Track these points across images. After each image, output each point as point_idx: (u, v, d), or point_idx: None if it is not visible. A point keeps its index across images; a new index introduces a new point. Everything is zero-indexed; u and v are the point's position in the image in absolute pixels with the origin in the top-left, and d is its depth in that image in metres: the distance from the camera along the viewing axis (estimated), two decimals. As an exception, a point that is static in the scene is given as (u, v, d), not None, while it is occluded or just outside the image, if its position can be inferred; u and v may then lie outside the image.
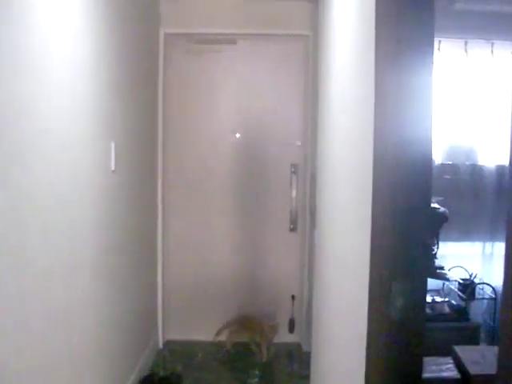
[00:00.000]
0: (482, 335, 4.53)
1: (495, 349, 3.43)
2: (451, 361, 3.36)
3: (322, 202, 3.64)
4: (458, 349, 3.44)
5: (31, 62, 2.36)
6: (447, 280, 4.60)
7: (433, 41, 1.82)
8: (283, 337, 5.62)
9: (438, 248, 4.09)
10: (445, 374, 3.23)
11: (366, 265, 1.95)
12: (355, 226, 2.25)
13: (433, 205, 3.73)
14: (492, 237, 5.14)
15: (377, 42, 1.87)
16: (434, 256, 4.01)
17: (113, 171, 3.68)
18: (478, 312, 4.80)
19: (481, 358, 3.30)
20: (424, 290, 1.96)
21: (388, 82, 1.82)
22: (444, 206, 4.08)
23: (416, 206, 1.85)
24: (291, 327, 5.57)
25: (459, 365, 3.27)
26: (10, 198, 2.17)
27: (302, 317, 5.58)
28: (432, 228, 3.93)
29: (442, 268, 4.46)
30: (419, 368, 1.94)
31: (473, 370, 3.17)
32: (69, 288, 2.87)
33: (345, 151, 2.63)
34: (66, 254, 2.83)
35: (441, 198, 4.00)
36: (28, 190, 2.34)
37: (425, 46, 1.81)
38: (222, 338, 5.34)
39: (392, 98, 1.82)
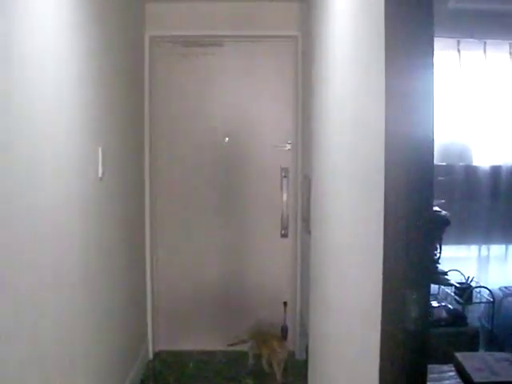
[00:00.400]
0: (480, 340, 4.44)
1: (497, 355, 3.36)
2: (453, 368, 3.27)
3: (318, 208, 3.54)
4: (459, 355, 3.35)
5: (11, 64, 2.24)
6: (450, 285, 4.51)
7: (433, 40, 1.74)
8: (276, 345, 5.50)
9: (440, 253, 4.00)
10: (447, 383, 3.14)
11: (376, 273, 1.84)
12: (362, 232, 2.15)
13: (434, 208, 3.64)
14: (488, 239, 5.08)
15: (387, 42, 1.77)
16: (437, 261, 3.92)
17: (100, 178, 3.57)
18: (475, 316, 4.72)
19: (483, 364, 3.22)
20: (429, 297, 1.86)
21: (399, 84, 1.73)
22: (445, 210, 3.99)
23: (425, 211, 1.76)
24: (284, 335, 5.44)
25: (461, 372, 3.18)
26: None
27: (295, 324, 5.47)
28: (435, 232, 3.85)
29: (445, 273, 4.37)
30: (425, 378, 1.84)
31: (476, 377, 3.08)
32: (56, 298, 2.76)
33: (346, 155, 2.52)
34: (53, 261, 2.72)
35: (442, 201, 3.91)
36: (11, 196, 2.23)
37: (426, 45, 1.73)
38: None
39: (403, 99, 1.72)
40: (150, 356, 5.42)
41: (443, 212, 3.94)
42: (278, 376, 4.78)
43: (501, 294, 4.81)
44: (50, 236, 2.66)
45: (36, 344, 2.49)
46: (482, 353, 4.07)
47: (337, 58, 2.84)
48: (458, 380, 3.15)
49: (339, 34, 2.77)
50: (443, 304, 4.43)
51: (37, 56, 2.52)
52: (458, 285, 4.53)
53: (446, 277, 4.39)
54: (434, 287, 4.56)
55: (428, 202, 1.77)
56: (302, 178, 5.06)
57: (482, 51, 4.94)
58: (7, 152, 2.17)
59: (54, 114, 2.74)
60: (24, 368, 2.36)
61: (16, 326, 2.26)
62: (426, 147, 1.74)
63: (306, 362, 4.53)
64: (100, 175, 3.55)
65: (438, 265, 4.01)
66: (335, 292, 2.85)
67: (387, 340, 1.79)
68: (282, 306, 5.41)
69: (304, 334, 5.00)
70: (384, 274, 1.77)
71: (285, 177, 5.41)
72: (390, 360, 1.80)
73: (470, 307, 4.57)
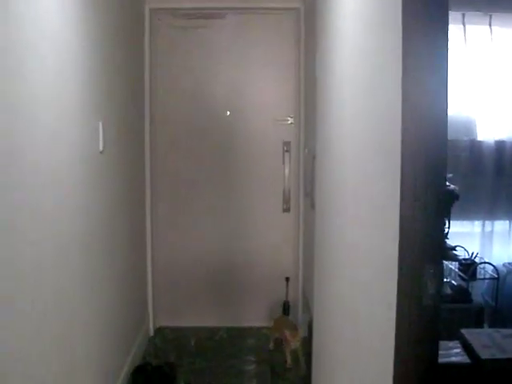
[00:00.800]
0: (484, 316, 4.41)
1: (504, 331, 3.31)
2: (459, 345, 3.23)
3: (324, 182, 3.48)
4: (466, 332, 3.31)
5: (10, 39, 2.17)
6: (459, 261, 4.47)
7: (448, 13, 1.68)
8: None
9: (449, 227, 3.94)
10: (454, 359, 3.10)
11: (392, 248, 1.78)
12: (377, 206, 2.08)
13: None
14: (492, 215, 5.02)
15: (404, 13, 1.70)
16: (446, 236, 3.86)
17: (101, 152, 3.51)
18: (478, 292, 4.69)
19: (490, 341, 3.18)
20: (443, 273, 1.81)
21: (417, 55, 1.66)
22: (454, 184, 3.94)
23: (441, 185, 1.70)
24: (285, 310, 5.42)
25: (468, 349, 3.14)
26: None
27: (298, 300, 5.43)
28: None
29: (453, 249, 4.32)
30: (436, 353, 1.80)
31: (484, 354, 3.03)
32: (55, 273, 2.70)
33: (357, 130, 2.45)
34: (53, 235, 2.66)
35: (450, 175, 3.84)
36: (13, 169, 2.17)
37: (442, 17, 1.66)
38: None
39: (421, 71, 1.66)
40: (151, 332, 5.38)
41: (452, 186, 3.88)
42: (288, 363, 4.65)
43: (504, 270, 4.77)
44: (49, 209, 2.60)
45: (36, 318, 2.44)
46: (488, 329, 4.04)
47: (346, 30, 2.76)
48: (465, 356, 3.10)
49: (350, 5, 2.68)
50: (447, 280, 4.40)
51: (37, 30, 2.45)
52: (462, 261, 4.49)
53: (454, 252, 4.35)
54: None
55: (443, 176, 1.72)
56: (306, 153, 4.99)
57: (487, 24, 4.86)
58: (8, 125, 2.11)
59: (56, 87, 2.67)
60: (24, 341, 2.32)
61: (16, 297, 2.22)
62: (441, 122, 1.69)
63: (308, 338, 4.50)
64: (101, 149, 3.49)
65: (446, 240, 3.95)
66: (344, 268, 2.79)
67: (403, 316, 1.74)
68: (284, 281, 5.39)
69: (306, 309, 4.96)
70: (400, 248, 1.71)
71: (287, 151, 5.35)
72: (405, 336, 1.75)
73: (474, 283, 4.53)
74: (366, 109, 2.28)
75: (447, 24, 1.67)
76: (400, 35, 1.69)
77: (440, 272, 1.70)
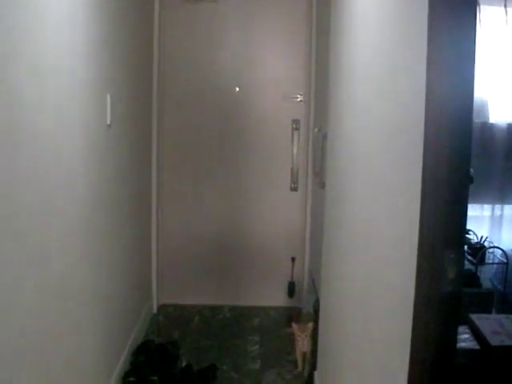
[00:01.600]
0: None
1: (513, 317, 3.24)
2: (468, 330, 3.17)
3: (336, 162, 3.41)
4: (475, 317, 3.25)
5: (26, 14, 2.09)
6: (472, 245, 4.40)
7: None
8: (282, 301, 5.48)
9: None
10: (463, 345, 3.04)
11: (410, 231, 1.72)
12: (394, 187, 2.01)
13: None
14: (502, 199, 4.95)
15: None
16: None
17: (108, 125, 3.44)
18: (487, 277, 4.63)
19: (499, 327, 3.13)
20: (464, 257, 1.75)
21: (443, 35, 1.59)
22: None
23: (465, 168, 1.63)
24: (291, 291, 5.40)
25: (477, 335, 3.08)
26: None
27: (303, 280, 5.39)
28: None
29: (467, 232, 4.25)
30: (454, 341, 1.74)
31: (493, 340, 2.98)
32: (61, 249, 2.66)
33: (376, 107, 2.37)
34: (58, 212, 2.60)
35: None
36: (15, 140, 2.10)
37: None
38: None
39: (446, 56, 1.59)
40: (155, 310, 5.35)
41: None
42: (298, 369, 4.31)
43: (514, 254, 4.71)
44: (54, 184, 2.54)
45: (41, 295, 2.40)
46: (497, 315, 3.97)
47: (364, 9, 2.68)
48: (474, 342, 3.05)
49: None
50: (456, 263, 4.32)
51: (51, 11, 2.40)
52: (471, 244, 4.43)
53: (467, 235, 4.29)
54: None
55: (468, 158, 1.64)
56: (315, 131, 4.92)
57: (502, 7, 4.77)
58: (11, 97, 2.05)
59: (59, 57, 2.60)
60: (28, 319, 2.27)
61: (22, 275, 2.17)
62: (466, 106, 1.62)
63: (314, 318, 4.45)
64: (108, 122, 3.42)
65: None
66: (356, 250, 2.72)
67: (421, 302, 1.67)
68: (290, 261, 5.36)
69: (312, 290, 4.91)
70: (421, 230, 1.64)
71: (296, 129, 5.28)
72: (423, 323, 1.68)
73: (483, 268, 4.47)
74: (386, 87, 2.20)
75: (475, 5, 1.61)
76: (426, 11, 1.62)
77: (461, 257, 1.63)
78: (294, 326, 4.24)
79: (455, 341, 1.75)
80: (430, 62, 1.61)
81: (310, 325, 4.18)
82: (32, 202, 2.26)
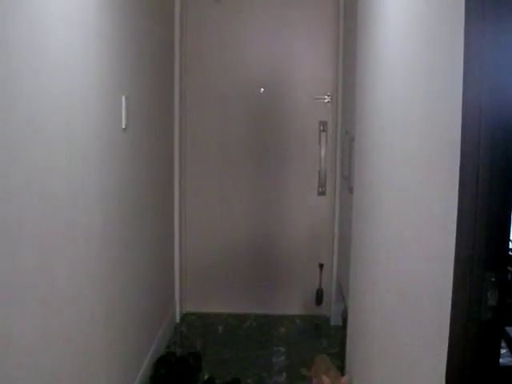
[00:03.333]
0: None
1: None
2: (504, 344, 2.97)
3: (363, 166, 3.24)
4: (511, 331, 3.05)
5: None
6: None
7: None
8: (310, 309, 5.32)
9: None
10: (501, 361, 2.83)
11: (443, 250, 1.54)
12: (427, 198, 1.83)
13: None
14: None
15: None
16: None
17: (123, 129, 3.29)
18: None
19: (539, 341, 2.91)
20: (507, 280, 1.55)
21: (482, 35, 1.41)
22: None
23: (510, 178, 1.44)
24: (319, 299, 5.24)
25: (515, 349, 2.88)
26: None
27: (331, 288, 5.21)
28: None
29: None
30: (496, 378, 1.57)
31: (532, 356, 2.77)
32: (73, 262, 2.53)
33: (409, 112, 2.20)
34: (69, 224, 2.47)
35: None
36: (20, 146, 1.96)
37: None
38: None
39: (486, 43, 1.41)
40: (177, 319, 5.20)
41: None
42: None
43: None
44: (64, 193, 2.40)
45: (57, 303, 2.32)
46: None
47: (392, 9, 2.51)
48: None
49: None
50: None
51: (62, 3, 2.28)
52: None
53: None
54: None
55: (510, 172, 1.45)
56: (343, 133, 4.74)
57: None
58: (16, 100, 1.89)
59: (70, 55, 2.44)
60: (47, 326, 2.22)
61: (28, 299, 2.03)
62: (508, 114, 1.43)
63: (342, 328, 4.30)
64: (124, 126, 3.27)
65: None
66: (385, 264, 2.55)
67: (457, 332, 1.49)
68: (318, 268, 5.22)
69: (340, 298, 4.75)
70: (457, 250, 1.45)
71: (323, 131, 5.10)
72: (459, 354, 1.50)
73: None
74: (422, 89, 2.01)
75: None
76: (462, 11, 1.44)
77: (503, 281, 1.44)
78: (326, 380, 3.28)
79: (495, 376, 1.57)
80: (467, 64, 1.43)
81: (344, 380, 3.33)
82: (45, 210, 2.16)
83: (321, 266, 5.21)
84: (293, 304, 5.33)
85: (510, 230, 1.48)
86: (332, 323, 5.13)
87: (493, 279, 1.43)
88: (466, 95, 1.43)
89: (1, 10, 1.79)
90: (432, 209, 1.77)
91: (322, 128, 5.10)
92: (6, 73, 1.84)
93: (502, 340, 2.95)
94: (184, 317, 5.27)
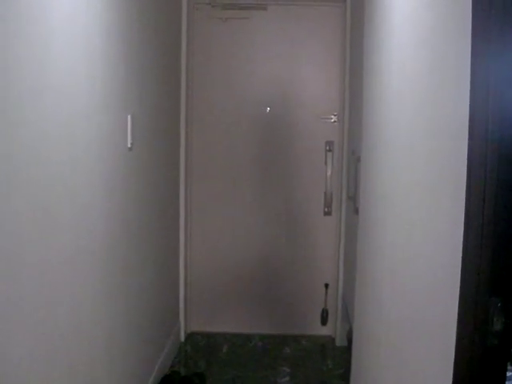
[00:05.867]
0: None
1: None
2: (510, 367, 2.94)
3: (369, 186, 3.23)
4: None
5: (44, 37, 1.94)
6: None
7: None
8: (315, 329, 5.28)
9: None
10: (507, 384, 2.80)
11: (449, 274, 1.52)
12: (434, 223, 1.81)
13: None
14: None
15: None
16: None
17: (129, 148, 3.28)
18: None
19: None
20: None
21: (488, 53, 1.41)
22: None
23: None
24: (324, 319, 5.22)
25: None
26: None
27: (337, 308, 5.19)
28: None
29: None
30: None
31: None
32: (75, 283, 2.49)
33: (413, 135, 2.19)
34: (72, 246, 2.44)
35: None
36: (22, 167, 1.94)
37: None
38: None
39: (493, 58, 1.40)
40: (182, 338, 5.18)
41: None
42: None
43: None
44: (68, 211, 2.38)
45: (58, 322, 2.27)
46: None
47: (400, 22, 2.51)
48: (519, 382, 2.81)
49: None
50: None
51: (67, 23, 2.28)
52: None
53: None
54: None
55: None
56: (350, 154, 4.73)
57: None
58: (13, 116, 1.88)
59: (75, 75, 2.44)
60: (48, 344, 2.18)
61: (29, 318, 2.00)
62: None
63: (347, 348, 4.27)
64: (129, 145, 3.26)
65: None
66: (390, 286, 2.53)
67: (462, 358, 1.47)
68: (323, 288, 5.19)
69: (346, 318, 4.73)
70: (463, 274, 1.44)
71: (329, 151, 5.09)
72: (464, 381, 1.48)
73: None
74: (427, 112, 2.01)
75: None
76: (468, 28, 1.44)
77: (509, 305, 1.43)
78: None
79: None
80: (473, 81, 1.42)
81: None
82: (47, 233, 2.13)
83: (326, 285, 5.19)
84: (298, 324, 5.30)
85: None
86: (337, 344, 5.11)
87: (499, 304, 1.41)
88: (473, 119, 1.42)
89: (2, 31, 1.78)
90: (437, 231, 1.76)
91: (328, 148, 5.09)
92: (8, 93, 1.83)
93: (508, 363, 2.94)
94: (189, 336, 5.24)
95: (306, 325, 5.29)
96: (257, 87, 5.17)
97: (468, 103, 1.44)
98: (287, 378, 4.46)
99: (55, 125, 2.22)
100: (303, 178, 5.20)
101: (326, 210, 5.17)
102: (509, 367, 2.88)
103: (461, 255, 1.46)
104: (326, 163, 5.11)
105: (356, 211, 3.87)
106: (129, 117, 3.25)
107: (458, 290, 1.47)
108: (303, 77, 5.14)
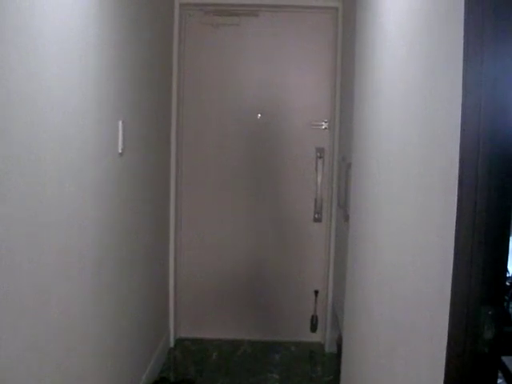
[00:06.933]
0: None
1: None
2: (500, 374, 2.94)
3: (359, 194, 3.24)
4: (507, 360, 3.02)
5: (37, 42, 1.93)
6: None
7: None
8: (304, 336, 5.29)
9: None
10: (496, 391, 2.80)
11: (440, 282, 1.53)
12: (425, 229, 1.82)
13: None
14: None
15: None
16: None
17: (120, 154, 3.27)
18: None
19: (535, 371, 2.89)
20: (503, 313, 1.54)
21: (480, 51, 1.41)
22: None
23: (507, 206, 1.43)
24: (313, 325, 5.22)
25: (510, 379, 2.85)
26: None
27: (326, 315, 5.19)
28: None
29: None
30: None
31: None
32: (65, 288, 2.49)
33: (404, 141, 2.20)
34: (62, 251, 2.43)
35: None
36: (13, 171, 1.93)
37: None
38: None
39: (484, 65, 1.40)
40: (172, 344, 5.17)
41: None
42: None
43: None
44: (58, 216, 2.37)
45: (46, 327, 2.25)
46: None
47: (393, 28, 2.52)
48: (507, 389, 2.82)
49: (398, 6, 2.43)
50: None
51: (59, 27, 2.26)
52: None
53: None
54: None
55: (508, 201, 1.44)
56: (340, 160, 4.74)
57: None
58: (6, 123, 1.87)
59: (67, 81, 2.43)
60: (35, 351, 2.16)
61: (20, 321, 1.99)
62: (507, 141, 1.43)
63: (336, 355, 4.27)
64: (120, 150, 3.26)
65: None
66: (380, 294, 2.53)
67: (453, 364, 1.48)
68: (313, 294, 5.21)
69: (335, 325, 4.73)
70: (454, 283, 1.44)
71: (320, 157, 5.09)
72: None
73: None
74: (419, 118, 2.01)
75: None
76: (461, 36, 1.44)
77: (500, 314, 1.43)
78: None
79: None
80: (466, 87, 1.42)
81: None
82: (37, 237, 2.12)
83: (316, 292, 5.19)
84: (287, 330, 5.30)
85: (506, 264, 1.47)
86: (327, 350, 5.11)
87: (490, 313, 1.42)
88: (465, 125, 1.42)
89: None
90: (428, 239, 1.76)
91: (318, 154, 5.09)
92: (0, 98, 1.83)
93: (499, 370, 2.94)
94: (178, 342, 5.22)
95: (296, 331, 5.28)
96: (248, 94, 5.16)
97: (460, 110, 1.44)
98: (276, 385, 4.47)
99: (46, 130, 2.21)
100: (294, 184, 5.19)
101: (316, 216, 5.17)
102: (499, 375, 2.89)
103: (452, 263, 1.46)
104: (316, 170, 5.11)
105: (346, 218, 3.87)
106: (120, 122, 3.25)
107: (449, 297, 1.48)
108: (294, 83, 5.13)
